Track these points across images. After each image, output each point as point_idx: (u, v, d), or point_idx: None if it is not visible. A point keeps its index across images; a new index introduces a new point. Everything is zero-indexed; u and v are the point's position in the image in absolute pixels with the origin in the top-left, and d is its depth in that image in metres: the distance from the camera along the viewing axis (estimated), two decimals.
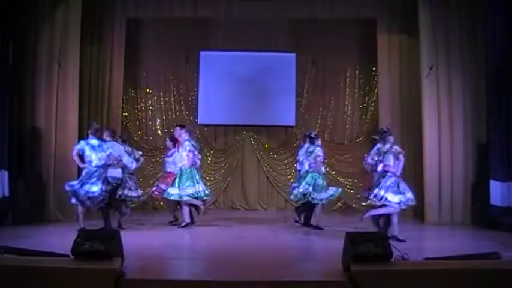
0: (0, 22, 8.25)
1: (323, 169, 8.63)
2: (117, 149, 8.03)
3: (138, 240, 6.89)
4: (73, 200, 7.82)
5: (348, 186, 11.64)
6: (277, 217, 10.29)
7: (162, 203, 10.31)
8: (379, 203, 7.06)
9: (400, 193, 7.03)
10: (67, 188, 7.74)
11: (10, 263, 4.49)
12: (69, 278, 4.31)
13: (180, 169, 8.38)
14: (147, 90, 11.90)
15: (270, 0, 10.24)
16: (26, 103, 9.03)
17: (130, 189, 8.36)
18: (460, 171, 9.22)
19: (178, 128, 8.76)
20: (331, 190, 8.52)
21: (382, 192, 7.01)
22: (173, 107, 11.91)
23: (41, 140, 9.03)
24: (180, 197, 8.25)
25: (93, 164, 7.69)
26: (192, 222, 8.47)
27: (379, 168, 7.23)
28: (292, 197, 8.68)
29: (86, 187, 7.60)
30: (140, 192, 8.70)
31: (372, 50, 10.99)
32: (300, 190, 8.30)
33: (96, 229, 5.01)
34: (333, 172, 11.51)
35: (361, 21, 11.28)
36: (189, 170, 8.34)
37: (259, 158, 11.79)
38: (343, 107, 11.98)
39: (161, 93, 11.89)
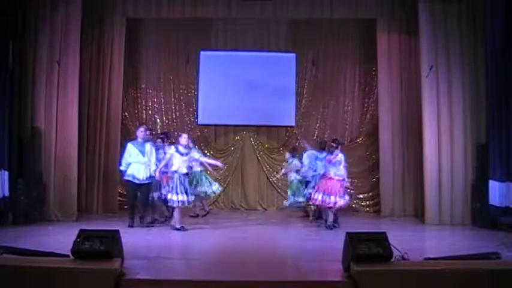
0: (1, 22, 8.24)
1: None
2: None
3: (138, 240, 6.89)
4: None
5: (347, 186, 11.63)
6: (278, 217, 10.30)
7: None
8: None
9: None
10: None
11: (10, 263, 4.49)
12: (69, 278, 4.31)
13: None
14: (147, 90, 11.90)
15: (270, 0, 10.24)
16: (26, 103, 9.02)
17: None
18: (459, 172, 9.22)
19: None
20: None
21: None
22: (173, 107, 11.91)
23: (41, 140, 9.02)
24: None
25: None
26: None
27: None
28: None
29: None
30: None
31: (372, 50, 10.99)
32: None
33: (96, 229, 5.00)
34: None
35: (361, 21, 11.28)
36: None
37: (259, 158, 11.79)
38: (343, 107, 11.98)
39: (161, 93, 11.89)
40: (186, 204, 8.07)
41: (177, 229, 7.99)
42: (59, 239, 6.74)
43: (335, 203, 8.35)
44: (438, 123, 9.32)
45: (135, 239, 6.86)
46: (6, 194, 8.20)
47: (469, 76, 9.31)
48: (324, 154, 9.02)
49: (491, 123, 8.60)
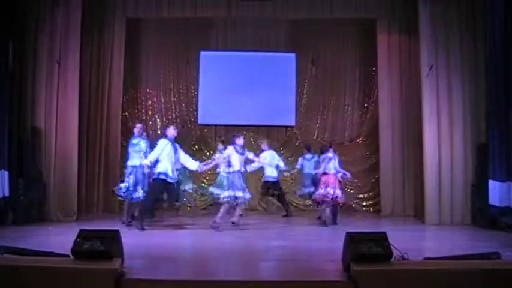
0: (0, 22, 8.24)
1: None
2: None
3: (138, 240, 6.89)
4: None
5: (347, 186, 11.66)
6: (278, 217, 10.29)
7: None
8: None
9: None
10: None
11: (10, 263, 4.49)
12: (69, 278, 4.30)
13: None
14: (147, 90, 11.91)
15: (270, 0, 10.25)
16: (26, 103, 9.03)
17: None
18: (459, 171, 9.22)
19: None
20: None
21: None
22: (173, 107, 11.92)
23: (41, 140, 9.03)
24: None
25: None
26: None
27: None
28: None
29: None
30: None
31: (372, 50, 11.00)
32: None
33: (96, 229, 4.99)
34: None
35: (361, 22, 11.30)
36: None
37: None
38: (343, 107, 12.00)
39: (161, 93, 11.90)
40: (246, 201, 8.45)
41: (233, 223, 8.35)
42: (59, 239, 6.74)
43: (335, 196, 8.71)
44: (438, 123, 9.32)
45: (135, 239, 6.86)
46: (6, 194, 8.19)
47: (469, 76, 9.31)
48: (310, 155, 10.14)
49: (491, 123, 8.59)
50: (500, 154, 8.33)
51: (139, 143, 8.51)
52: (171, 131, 8.24)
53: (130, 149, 8.53)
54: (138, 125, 8.89)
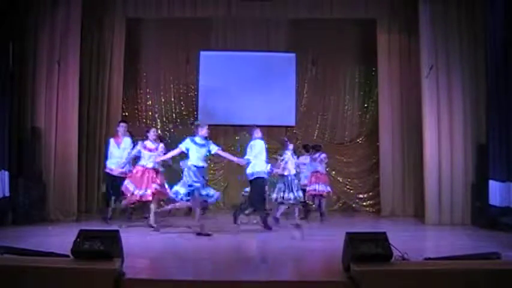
0: (0, 22, 8.24)
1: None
2: None
3: (138, 240, 6.89)
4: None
5: (347, 186, 11.68)
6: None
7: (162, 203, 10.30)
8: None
9: None
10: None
11: (10, 263, 4.49)
12: (69, 278, 4.30)
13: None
14: (147, 90, 11.92)
15: (270, 0, 10.25)
16: (26, 103, 9.03)
17: None
18: (459, 171, 9.22)
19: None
20: None
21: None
22: (173, 107, 11.92)
23: (41, 140, 9.03)
24: None
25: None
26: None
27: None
28: None
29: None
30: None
31: (372, 50, 10.99)
32: None
33: (96, 229, 5.00)
34: (333, 172, 11.53)
35: (361, 21, 11.30)
36: None
37: None
38: (343, 107, 12.01)
39: (161, 93, 11.91)
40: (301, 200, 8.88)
41: (297, 225, 8.60)
42: (59, 239, 6.74)
43: (323, 190, 9.61)
44: (438, 123, 9.32)
45: (135, 239, 6.86)
46: (6, 194, 8.19)
47: (469, 76, 9.31)
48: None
49: (491, 123, 8.59)
50: (500, 154, 8.33)
51: (207, 145, 7.89)
52: (259, 133, 8.57)
53: (196, 148, 7.75)
54: (205, 126, 8.03)
